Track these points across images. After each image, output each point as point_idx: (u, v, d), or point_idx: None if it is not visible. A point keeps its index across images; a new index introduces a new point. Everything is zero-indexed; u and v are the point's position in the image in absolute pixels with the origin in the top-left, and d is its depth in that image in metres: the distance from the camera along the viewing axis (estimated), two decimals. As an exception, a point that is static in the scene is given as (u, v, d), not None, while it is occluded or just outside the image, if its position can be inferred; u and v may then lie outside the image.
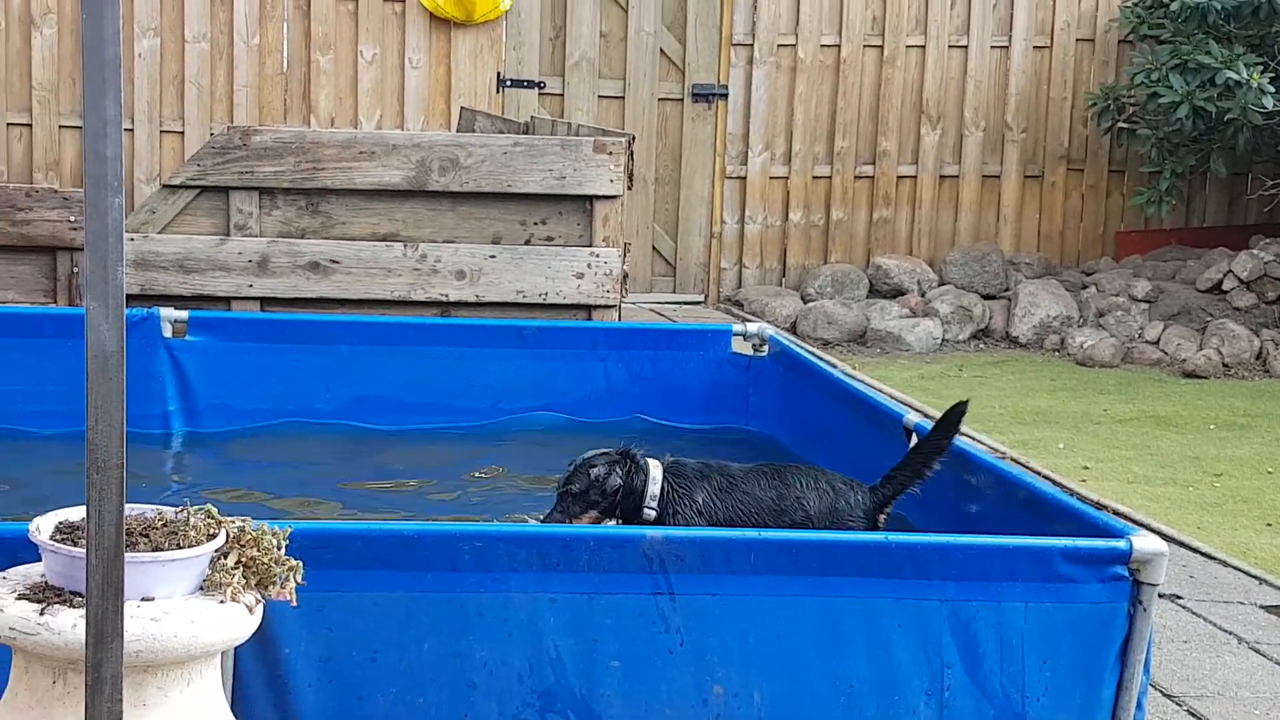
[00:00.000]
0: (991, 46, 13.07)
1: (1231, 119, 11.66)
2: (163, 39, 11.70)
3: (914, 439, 6.10)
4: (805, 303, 12.45)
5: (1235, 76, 11.51)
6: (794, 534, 4.85)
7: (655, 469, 5.53)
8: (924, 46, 12.95)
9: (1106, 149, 13.29)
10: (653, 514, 5.48)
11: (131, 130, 11.64)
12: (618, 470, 5.51)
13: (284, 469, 7.03)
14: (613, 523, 5.52)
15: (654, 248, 12.81)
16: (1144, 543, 4.50)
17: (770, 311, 12.26)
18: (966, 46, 13.02)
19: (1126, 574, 4.48)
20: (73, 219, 8.18)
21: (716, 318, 12.05)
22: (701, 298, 12.90)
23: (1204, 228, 13.50)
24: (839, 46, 12.82)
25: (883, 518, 5.65)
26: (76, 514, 3.59)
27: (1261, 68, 11.61)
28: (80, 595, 3.33)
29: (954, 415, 5.71)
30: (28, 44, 11.55)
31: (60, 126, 11.59)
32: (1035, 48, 13.14)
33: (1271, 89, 11.47)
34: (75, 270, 8.19)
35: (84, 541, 3.17)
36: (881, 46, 12.88)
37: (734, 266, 12.93)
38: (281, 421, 7.53)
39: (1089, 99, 12.93)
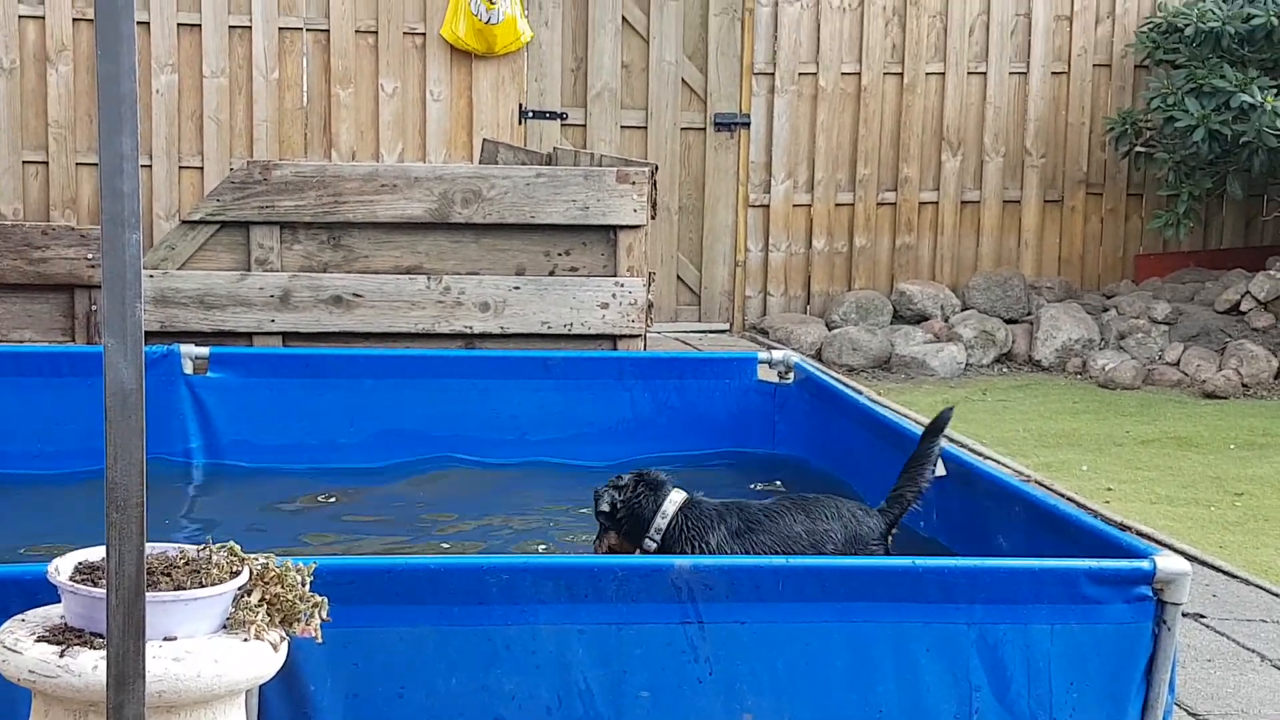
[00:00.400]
0: (1010, 73, 13.07)
1: (1247, 142, 11.65)
2: (180, 74, 11.73)
3: (939, 464, 6.07)
4: (830, 329, 12.44)
5: (1250, 100, 11.50)
6: (821, 560, 4.83)
7: (672, 501, 5.49)
8: (943, 74, 12.95)
9: (1125, 173, 13.27)
10: (654, 546, 5.45)
11: (150, 166, 11.67)
12: (612, 494, 5.53)
13: (307, 505, 7.01)
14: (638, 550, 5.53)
15: (678, 276, 12.80)
16: (1167, 563, 4.49)
17: (795, 338, 12.24)
18: (985, 73, 13.02)
19: (1151, 594, 4.48)
20: (90, 256, 8.18)
21: (742, 346, 12.03)
22: (727, 326, 12.89)
23: (1221, 249, 13.47)
24: (859, 74, 12.82)
25: (891, 537, 5.67)
26: (96, 554, 3.58)
27: (1276, 90, 11.60)
28: (101, 636, 3.31)
29: (939, 423, 5.76)
30: (43, 81, 11.58)
31: (77, 164, 11.62)
32: (1053, 74, 13.14)
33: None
34: (93, 308, 8.19)
35: (104, 582, 3.16)
36: (901, 74, 12.88)
37: (758, 294, 12.92)
38: (305, 457, 7.51)
39: (1106, 124, 12.92)
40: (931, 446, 5.71)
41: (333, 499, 7.08)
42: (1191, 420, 10.47)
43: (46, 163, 11.65)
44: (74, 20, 11.52)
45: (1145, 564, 4.51)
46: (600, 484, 5.65)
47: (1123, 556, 4.62)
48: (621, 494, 5.54)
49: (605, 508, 5.54)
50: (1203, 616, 6.57)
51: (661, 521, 5.45)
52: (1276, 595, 6.92)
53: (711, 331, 12.74)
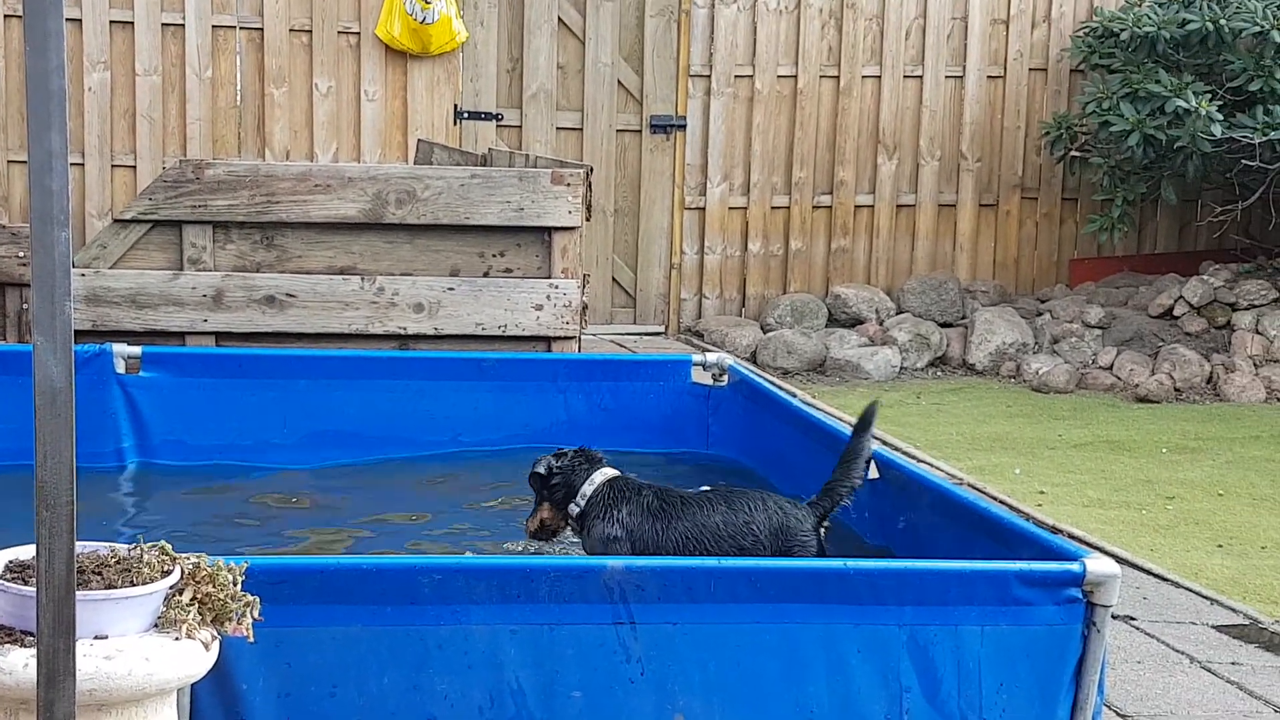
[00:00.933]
0: (946, 77, 13.13)
1: (1181, 147, 11.73)
2: (113, 72, 11.66)
3: (872, 466, 6.10)
4: (765, 332, 12.47)
5: (1184, 105, 11.59)
6: (753, 562, 4.85)
7: (602, 473, 5.83)
8: (879, 77, 13.01)
9: (1060, 177, 13.36)
10: (576, 510, 5.78)
11: (82, 165, 11.60)
12: (550, 461, 5.88)
13: (240, 504, 6.99)
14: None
15: (614, 279, 12.81)
16: (1097, 565, 4.53)
17: (730, 341, 12.27)
18: (921, 77, 13.08)
19: (1080, 596, 4.52)
20: (21, 254, 8.13)
21: (677, 348, 12.05)
22: (662, 328, 12.91)
23: (1155, 254, 13.58)
24: (795, 77, 12.86)
25: (824, 529, 5.72)
26: (27, 552, 3.57)
27: (1210, 96, 11.68)
28: (31, 635, 3.30)
29: (867, 416, 5.87)
30: (-24, 80, 11.51)
31: (9, 161, 11.54)
32: (989, 78, 13.21)
33: (1220, 117, 11.55)
34: (24, 306, 8.14)
35: (34, 580, 3.15)
36: (838, 77, 12.93)
37: (694, 297, 12.94)
38: (238, 457, 7.49)
39: (1042, 128, 13.00)
40: (862, 441, 5.79)
41: (265, 499, 7.06)
42: (1124, 424, 10.54)
43: (-24, 160, 11.58)
44: (4, 17, 11.43)
45: (1075, 566, 4.55)
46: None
47: (1053, 559, 4.66)
48: (559, 461, 5.88)
49: (541, 470, 5.88)
50: (1133, 619, 6.63)
51: (588, 489, 5.77)
52: (1206, 598, 6.99)
53: (647, 334, 12.76)
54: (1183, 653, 6.27)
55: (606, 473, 5.84)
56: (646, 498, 5.72)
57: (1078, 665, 4.57)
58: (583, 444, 6.11)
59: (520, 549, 6.20)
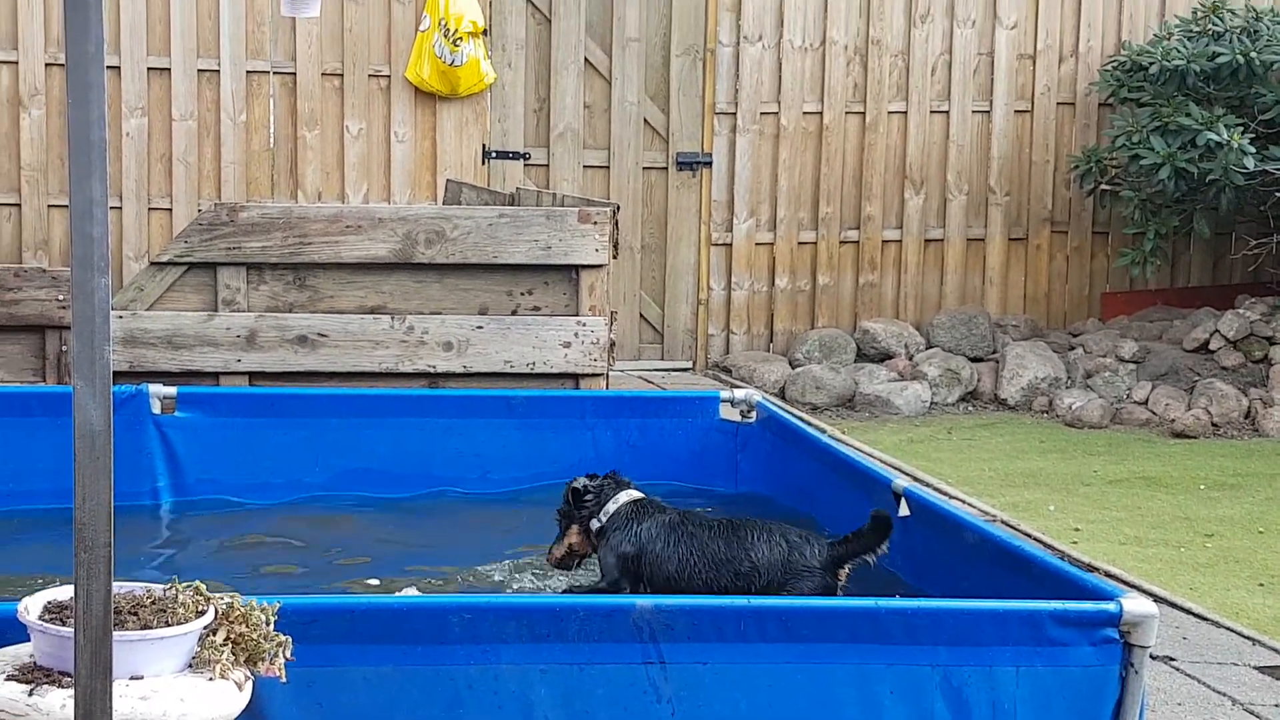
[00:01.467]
0: (973, 111, 13.15)
1: (1213, 180, 11.71)
2: (150, 118, 11.75)
3: (903, 503, 6.11)
4: (793, 368, 12.47)
5: (1216, 138, 11.57)
6: (784, 602, 4.86)
7: (627, 494, 6.04)
8: (905, 112, 13.03)
9: (1090, 211, 13.36)
10: (598, 525, 6.00)
11: (119, 208, 11.67)
12: (585, 480, 6.11)
13: (272, 543, 7.01)
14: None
15: (641, 315, 12.84)
16: (1134, 605, 4.50)
17: (758, 377, 12.27)
18: (948, 112, 13.10)
19: (1117, 636, 4.48)
20: (61, 298, 8.20)
21: (705, 384, 12.06)
22: (690, 364, 12.92)
23: (1189, 288, 13.54)
24: (821, 113, 12.89)
25: (845, 571, 5.73)
26: (65, 593, 3.60)
27: (1241, 129, 11.66)
28: (69, 675, 3.33)
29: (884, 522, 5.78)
30: (16, 125, 11.59)
31: (49, 206, 11.62)
32: (1016, 112, 13.22)
33: (1252, 149, 11.53)
34: (64, 349, 8.20)
35: (72, 621, 3.17)
36: (864, 113, 12.95)
37: (721, 332, 12.96)
38: (271, 495, 7.52)
39: (1071, 162, 13.00)
40: (885, 528, 5.74)
41: (297, 538, 7.09)
42: (1160, 460, 10.47)
43: (19, 205, 11.65)
44: (46, 65, 11.54)
45: (1111, 606, 4.50)
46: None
47: (1089, 598, 4.62)
48: (593, 481, 6.10)
49: (579, 486, 6.09)
50: (1173, 659, 6.55)
51: (611, 506, 5.99)
52: (1247, 638, 6.88)
53: (675, 370, 12.77)
54: (1224, 694, 6.20)
55: (632, 494, 6.05)
56: (664, 517, 5.92)
57: (1115, 707, 4.52)
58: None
59: (543, 587, 6.25)
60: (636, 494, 6.07)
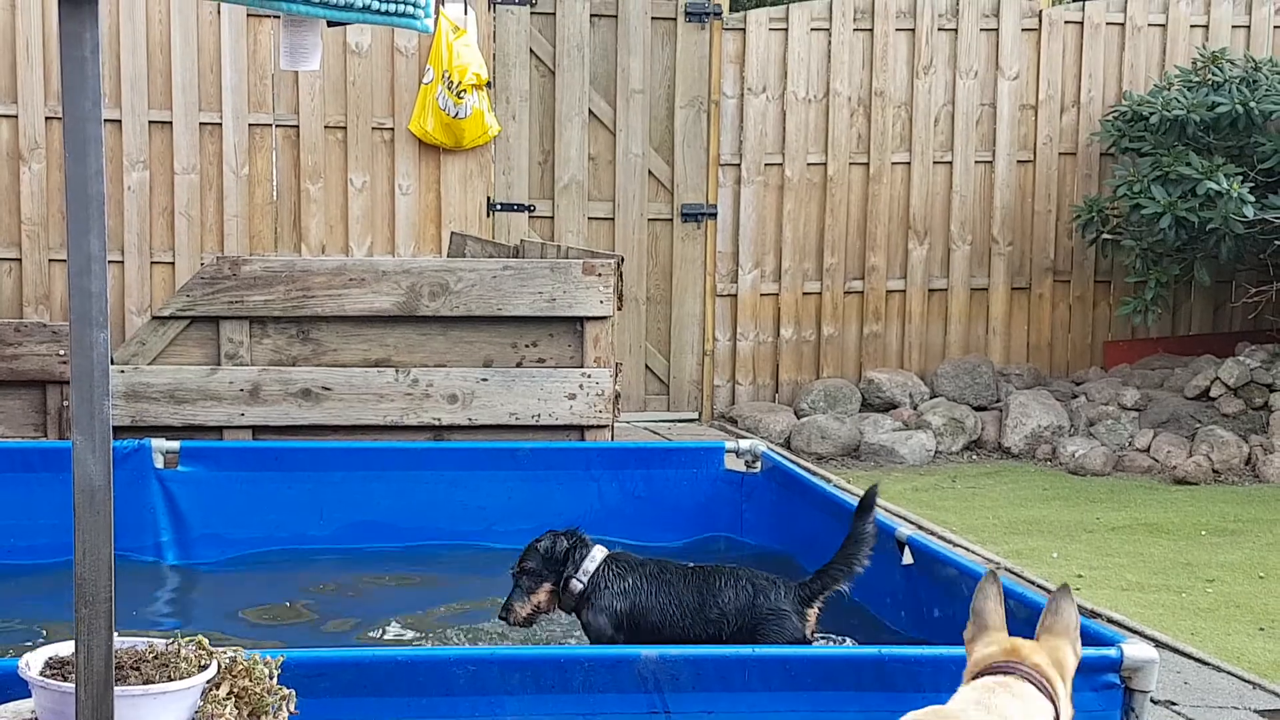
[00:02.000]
0: (976, 161, 13.18)
1: (1213, 228, 11.74)
2: (152, 171, 11.79)
3: (906, 552, 6.11)
4: (799, 418, 12.48)
5: (1216, 187, 11.60)
6: (788, 650, 4.86)
7: (599, 551, 6.06)
8: (909, 163, 13.06)
9: (1092, 260, 13.38)
10: (579, 586, 5.97)
11: (122, 262, 11.70)
12: (563, 540, 6.06)
13: (277, 597, 7.01)
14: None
15: (647, 366, 12.85)
16: (1135, 650, 4.51)
17: (764, 427, 12.28)
18: (951, 162, 13.13)
19: (1118, 681, 4.50)
20: (62, 353, 8.21)
21: (711, 435, 12.06)
22: (696, 415, 12.93)
23: (1190, 335, 13.56)
24: (825, 165, 12.92)
25: (814, 610, 5.85)
26: (66, 649, 3.60)
27: (1241, 178, 11.69)
28: (71, 730, 3.33)
29: (868, 500, 5.98)
30: (16, 179, 11.63)
31: (50, 260, 11.64)
32: (1019, 162, 13.26)
33: (1251, 198, 11.56)
34: (65, 404, 8.21)
35: (74, 677, 3.18)
36: (867, 164, 12.99)
37: (727, 383, 12.97)
38: (275, 549, 7.53)
39: (1073, 211, 13.03)
40: (864, 525, 5.89)
41: (302, 592, 7.09)
42: (1162, 506, 10.49)
43: (19, 259, 11.67)
44: (46, 119, 11.57)
45: (1112, 651, 4.53)
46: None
47: (1090, 644, 4.64)
48: (557, 543, 6.09)
49: (554, 545, 6.07)
50: (1174, 704, 6.57)
51: (590, 565, 5.99)
52: (1248, 682, 6.91)
53: (680, 421, 12.78)
54: (1224, 738, 6.23)
55: (603, 550, 6.09)
56: (646, 569, 6.00)
57: (1116, 751, 4.55)
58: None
59: (546, 638, 6.26)
60: (603, 550, 6.12)
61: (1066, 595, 4.06)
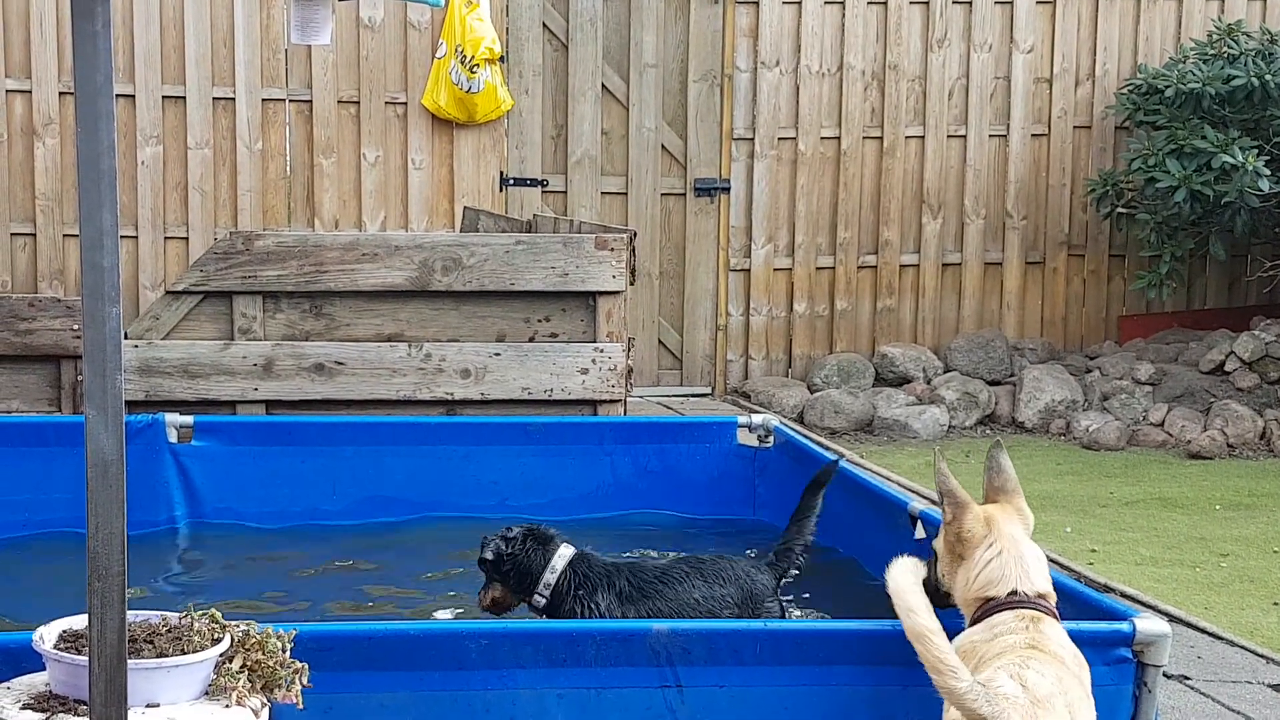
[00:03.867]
0: (990, 135, 13.15)
1: (1229, 202, 11.71)
2: (165, 146, 11.80)
3: (919, 527, 6.11)
4: (812, 392, 12.47)
5: (1231, 160, 11.57)
6: (801, 624, 4.86)
7: (561, 556, 5.54)
8: (923, 137, 13.04)
9: (1106, 234, 13.35)
10: (543, 601, 5.51)
11: (135, 237, 11.72)
12: (499, 545, 5.55)
13: (289, 571, 7.03)
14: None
15: (660, 341, 12.85)
16: (1147, 624, 4.51)
17: (777, 402, 12.28)
18: (965, 136, 13.10)
19: (1130, 656, 4.50)
20: (76, 328, 8.23)
21: (724, 409, 12.06)
22: (709, 389, 12.93)
23: (1205, 310, 13.54)
24: (839, 139, 12.90)
25: (778, 585, 5.81)
26: (80, 622, 3.61)
27: (1257, 151, 11.66)
28: (84, 704, 3.34)
29: (822, 477, 6.02)
30: (30, 154, 11.64)
31: (64, 235, 11.66)
32: (1033, 136, 13.23)
33: (1267, 172, 11.53)
34: (79, 378, 8.23)
35: (87, 649, 3.19)
36: (881, 138, 12.97)
37: (740, 358, 12.96)
38: (288, 524, 7.54)
39: (1088, 185, 13.00)
40: (813, 500, 5.89)
41: (314, 566, 7.10)
42: (1176, 481, 10.48)
43: (34, 235, 11.69)
44: (60, 94, 11.58)
45: (1125, 626, 4.53)
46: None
47: (1102, 618, 4.65)
48: (509, 545, 5.57)
49: (490, 556, 5.57)
50: (1188, 678, 6.57)
51: (550, 577, 5.51)
52: (1261, 656, 6.92)
53: (694, 395, 12.78)
54: (1238, 712, 6.22)
55: (565, 554, 5.57)
56: (619, 584, 5.51)
57: (1128, 725, 4.55)
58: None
59: None
60: (568, 552, 5.58)
61: (1001, 450, 4.73)
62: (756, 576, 5.71)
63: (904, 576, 4.12)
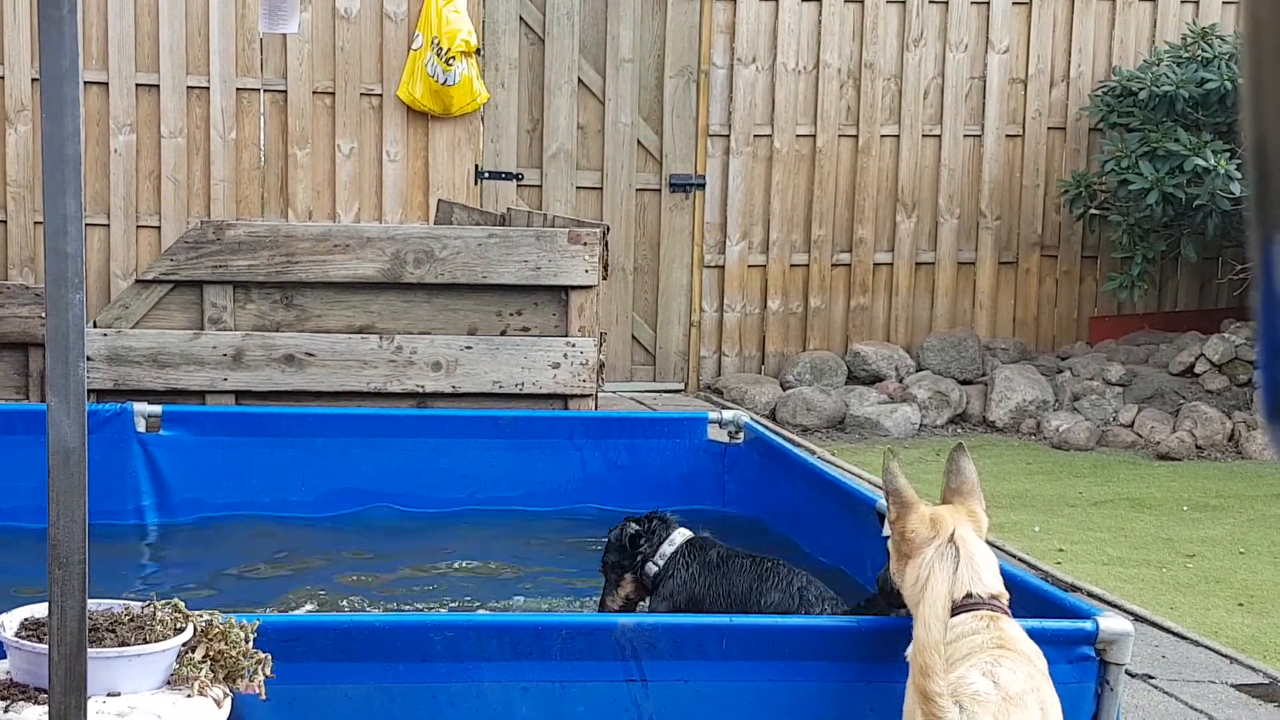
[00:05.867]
0: (964, 135, 13.18)
1: (1200, 205, 11.75)
2: (138, 134, 11.76)
3: (886, 524, 6.11)
4: (784, 390, 12.49)
5: (1203, 163, 11.62)
6: (765, 620, 4.86)
7: (680, 534, 5.89)
8: (898, 136, 13.05)
9: (1079, 235, 13.38)
10: (655, 569, 5.81)
11: (107, 225, 11.68)
12: (631, 526, 5.92)
13: (256, 562, 7.02)
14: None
15: (633, 336, 12.85)
16: (1110, 623, 4.53)
17: (750, 399, 12.28)
18: (940, 136, 13.12)
19: (1093, 654, 4.52)
20: (44, 315, 8.20)
21: (697, 405, 12.06)
22: (682, 386, 12.93)
23: (1175, 312, 13.58)
24: (814, 136, 12.91)
25: None
26: (43, 610, 3.60)
27: (1229, 154, 11.71)
28: (44, 692, 3.33)
29: None
30: (2, 141, 11.60)
31: (35, 223, 11.61)
32: (1008, 136, 13.25)
33: (1239, 175, 11.56)
34: (48, 366, 8.19)
35: (47, 637, 3.18)
36: (856, 136, 12.98)
37: (713, 354, 12.97)
38: (257, 515, 7.52)
39: (1061, 186, 13.03)
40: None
41: (282, 557, 7.09)
42: (1145, 482, 10.52)
43: (5, 221, 11.65)
44: (33, 80, 11.54)
45: (1087, 624, 4.55)
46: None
47: (1065, 617, 4.67)
48: (642, 525, 5.94)
49: (632, 531, 5.91)
50: (1152, 677, 6.60)
51: (668, 549, 5.83)
52: (1225, 656, 6.94)
53: (667, 391, 12.78)
54: (1201, 711, 6.24)
55: (684, 533, 5.92)
56: (709, 557, 5.78)
57: (1091, 723, 4.57)
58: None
59: (521, 606, 6.24)
60: (687, 532, 5.94)
61: (963, 453, 4.65)
62: (814, 608, 5.55)
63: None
